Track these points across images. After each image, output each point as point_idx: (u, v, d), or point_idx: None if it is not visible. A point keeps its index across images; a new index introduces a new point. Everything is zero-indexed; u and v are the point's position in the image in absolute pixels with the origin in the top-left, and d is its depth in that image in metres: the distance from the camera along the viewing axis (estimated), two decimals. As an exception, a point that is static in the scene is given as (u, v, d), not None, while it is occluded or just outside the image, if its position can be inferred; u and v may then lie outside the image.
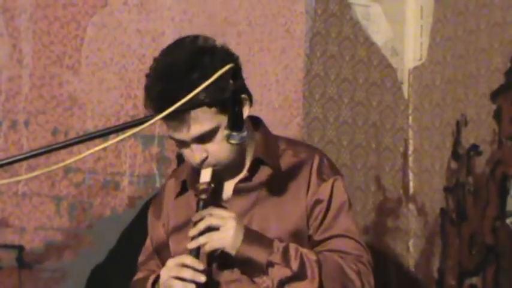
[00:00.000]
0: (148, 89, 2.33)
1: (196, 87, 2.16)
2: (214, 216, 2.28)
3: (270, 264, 2.29)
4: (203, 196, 2.31)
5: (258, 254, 2.29)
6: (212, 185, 2.32)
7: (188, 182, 2.47)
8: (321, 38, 3.76)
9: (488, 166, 3.54)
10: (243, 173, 2.42)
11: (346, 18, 3.83)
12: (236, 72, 2.14)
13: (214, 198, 2.39)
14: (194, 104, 2.12)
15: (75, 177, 3.28)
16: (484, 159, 3.56)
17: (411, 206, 3.90)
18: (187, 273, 2.25)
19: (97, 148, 1.86)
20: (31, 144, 3.21)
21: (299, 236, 2.40)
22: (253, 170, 2.42)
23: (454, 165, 3.71)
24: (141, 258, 2.61)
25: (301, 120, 3.70)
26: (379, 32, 3.92)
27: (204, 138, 2.30)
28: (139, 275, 2.57)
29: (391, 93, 3.93)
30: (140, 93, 3.35)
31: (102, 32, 3.35)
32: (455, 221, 3.67)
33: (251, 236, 2.31)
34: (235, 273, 2.36)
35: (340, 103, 3.81)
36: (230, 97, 2.15)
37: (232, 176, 2.43)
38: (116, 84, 3.36)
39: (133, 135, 3.21)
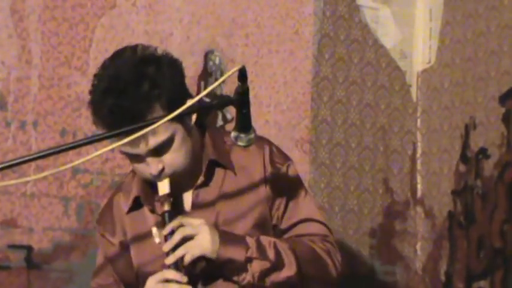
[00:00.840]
0: (95, 105, 2.22)
1: (149, 98, 2.17)
2: (186, 225, 2.25)
3: (249, 260, 2.29)
4: (166, 208, 2.27)
5: (237, 253, 2.28)
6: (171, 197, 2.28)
7: (142, 198, 2.40)
8: (329, 40, 3.76)
9: (496, 169, 3.53)
10: (200, 179, 2.38)
11: (355, 20, 3.83)
12: (243, 74, 2.14)
13: (176, 209, 2.34)
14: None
15: (83, 178, 3.29)
16: (493, 163, 3.55)
17: (419, 209, 3.90)
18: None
19: (105, 149, 1.86)
20: (39, 145, 3.22)
21: (265, 228, 2.40)
22: (208, 174, 2.39)
23: (462, 168, 3.71)
24: (99, 280, 2.53)
25: (309, 123, 3.70)
26: (388, 35, 3.91)
27: (161, 149, 2.24)
28: None
29: (400, 96, 3.93)
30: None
31: (110, 34, 3.36)
32: (463, 224, 3.67)
33: (226, 236, 2.29)
34: (219, 282, 2.34)
35: (348, 105, 3.81)
36: (237, 99, 2.15)
37: (191, 185, 2.39)
38: (124, 86, 3.36)
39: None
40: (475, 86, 3.68)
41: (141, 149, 2.22)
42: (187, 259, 2.24)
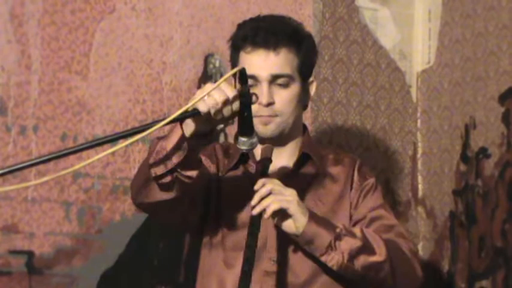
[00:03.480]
0: (243, 23, 2.55)
1: (289, 40, 2.42)
2: (277, 184, 2.28)
3: (338, 237, 2.30)
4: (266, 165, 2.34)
5: (325, 231, 2.30)
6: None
7: (250, 153, 2.48)
8: (328, 41, 3.76)
9: (497, 169, 3.53)
10: (289, 167, 2.47)
11: (354, 21, 3.83)
12: (244, 76, 2.14)
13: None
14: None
15: (84, 182, 3.28)
16: (493, 162, 3.55)
17: (420, 209, 3.89)
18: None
19: (106, 153, 1.87)
20: (40, 149, 3.21)
21: None
22: (298, 165, 2.48)
23: (463, 168, 3.71)
24: None
25: (310, 124, 3.69)
26: (387, 36, 3.91)
27: (278, 79, 2.40)
28: None
29: (400, 97, 3.93)
30: (148, 98, 3.36)
31: (110, 38, 3.36)
32: (464, 223, 3.67)
33: (315, 215, 2.32)
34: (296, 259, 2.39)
35: (348, 107, 3.81)
36: (238, 102, 2.14)
37: (279, 173, 2.45)
38: (124, 89, 3.36)
39: (142, 139, 3.21)
40: (474, 86, 3.68)
41: (263, 71, 2.39)
42: (271, 209, 2.23)
